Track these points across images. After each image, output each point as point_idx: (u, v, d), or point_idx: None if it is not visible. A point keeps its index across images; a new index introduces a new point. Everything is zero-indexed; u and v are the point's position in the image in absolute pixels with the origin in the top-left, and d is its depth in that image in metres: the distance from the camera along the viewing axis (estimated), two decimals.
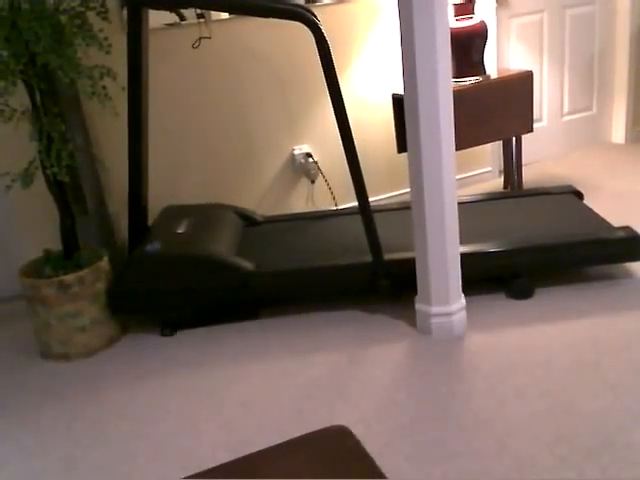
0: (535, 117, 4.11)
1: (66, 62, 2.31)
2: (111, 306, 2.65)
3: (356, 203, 2.59)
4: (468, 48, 3.33)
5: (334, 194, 3.65)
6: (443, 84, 2.18)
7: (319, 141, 3.60)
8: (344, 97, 2.47)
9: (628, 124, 4.42)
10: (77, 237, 2.68)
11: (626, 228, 2.69)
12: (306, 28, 2.38)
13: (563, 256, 2.65)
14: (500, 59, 3.97)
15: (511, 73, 3.47)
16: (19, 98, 2.38)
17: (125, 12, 2.69)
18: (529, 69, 3.52)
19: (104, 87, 2.44)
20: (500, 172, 4.09)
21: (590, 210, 2.95)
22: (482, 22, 3.33)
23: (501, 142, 3.88)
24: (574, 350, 2.28)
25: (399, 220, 2.99)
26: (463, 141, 3.31)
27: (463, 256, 2.46)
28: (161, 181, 3.28)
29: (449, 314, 2.43)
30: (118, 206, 3.16)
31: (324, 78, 2.43)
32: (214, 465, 1.25)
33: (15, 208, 3.10)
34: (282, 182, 3.60)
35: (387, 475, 1.20)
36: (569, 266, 2.78)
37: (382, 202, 3.71)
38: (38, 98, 2.45)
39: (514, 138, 3.70)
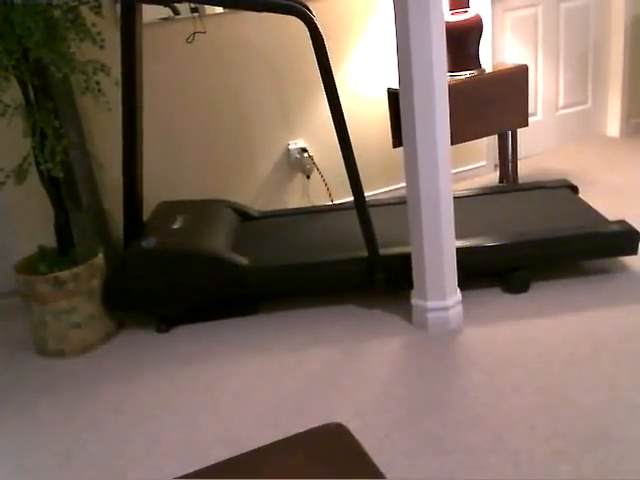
0: (530, 111, 4.11)
1: (59, 57, 2.29)
2: (106, 302, 2.65)
3: (352, 198, 2.58)
4: (463, 42, 3.33)
5: (330, 189, 3.65)
6: (438, 78, 2.17)
7: (314, 136, 3.59)
8: (339, 91, 2.47)
9: (623, 117, 4.42)
10: (72, 233, 2.67)
11: (621, 222, 2.70)
12: (301, 22, 2.37)
13: (558, 250, 2.66)
14: (495, 53, 3.97)
15: (506, 67, 3.47)
16: (12, 94, 2.37)
17: (118, 7, 2.68)
18: (524, 63, 3.52)
19: (98, 82, 2.43)
20: (495, 166, 4.09)
21: (585, 204, 2.96)
22: (477, 16, 3.33)
23: (496, 136, 3.88)
24: (570, 344, 2.29)
25: (395, 215, 2.99)
26: (458, 135, 3.31)
27: (459, 250, 2.46)
28: (156, 176, 3.27)
29: (445, 308, 2.43)
30: (113, 202, 3.15)
31: (319, 72, 2.42)
32: (211, 460, 1.25)
33: (10, 204, 3.08)
34: (277, 177, 3.59)
35: (384, 470, 1.20)
36: (564, 260, 2.79)
37: (378, 197, 3.71)
38: (31, 94, 2.43)
39: (509, 132, 3.70)
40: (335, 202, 3.61)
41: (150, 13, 3.02)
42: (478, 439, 1.89)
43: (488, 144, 4.05)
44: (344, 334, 2.53)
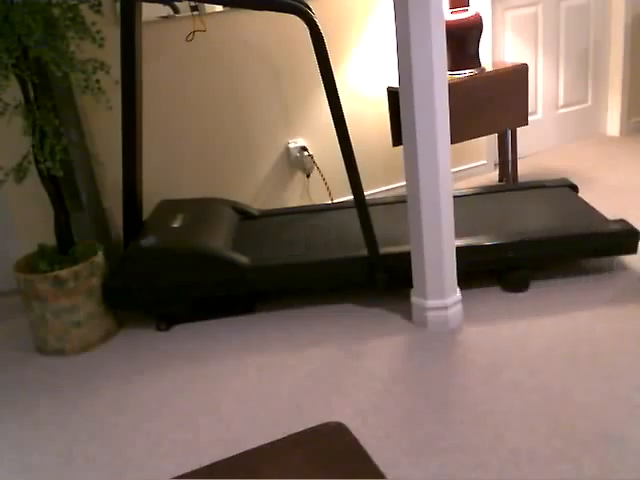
0: (530, 110, 4.10)
1: (59, 56, 2.29)
2: (106, 301, 2.65)
3: (352, 197, 2.58)
4: (463, 41, 3.33)
5: (329, 188, 3.65)
6: (438, 77, 2.17)
7: (314, 135, 3.59)
8: (339, 90, 2.46)
9: (623, 116, 4.42)
10: (71, 232, 2.66)
11: (621, 221, 2.70)
12: (301, 21, 2.37)
13: (558, 249, 2.66)
14: (495, 52, 3.96)
15: (506, 66, 3.47)
16: (12, 92, 2.36)
17: (118, 5, 2.67)
18: (524, 62, 3.51)
19: (97, 81, 2.42)
20: (495, 165, 4.09)
21: (585, 203, 2.95)
22: (477, 14, 3.32)
23: (496, 135, 3.88)
24: (570, 342, 2.29)
25: (395, 214, 2.99)
26: (458, 134, 3.30)
27: (458, 249, 2.46)
28: (156, 175, 3.27)
29: (445, 307, 2.43)
30: (113, 200, 3.15)
31: (319, 71, 2.42)
32: (211, 460, 1.25)
33: (10, 203, 3.08)
34: (277, 176, 3.59)
35: (384, 469, 1.20)
36: (564, 259, 2.79)
37: (378, 196, 3.71)
38: (31, 92, 2.43)
39: (509, 131, 3.69)
40: (335, 201, 3.60)
41: (150, 11, 3.02)
42: (478, 438, 1.89)
43: (488, 143, 4.04)
44: (344, 333, 2.53)
